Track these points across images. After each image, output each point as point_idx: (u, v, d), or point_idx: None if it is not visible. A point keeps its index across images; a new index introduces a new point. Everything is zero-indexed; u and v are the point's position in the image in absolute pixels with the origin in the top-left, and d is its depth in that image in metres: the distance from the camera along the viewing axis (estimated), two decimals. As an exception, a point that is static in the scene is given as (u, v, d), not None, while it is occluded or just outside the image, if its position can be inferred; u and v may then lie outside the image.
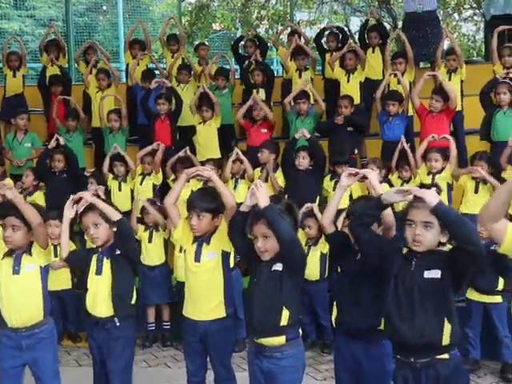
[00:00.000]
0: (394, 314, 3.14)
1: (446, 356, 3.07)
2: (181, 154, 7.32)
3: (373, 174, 3.53)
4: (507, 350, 5.23)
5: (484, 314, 5.36)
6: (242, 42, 10.30)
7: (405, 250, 3.23)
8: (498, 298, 5.27)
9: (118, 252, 4.06)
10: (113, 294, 4.03)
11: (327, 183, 6.84)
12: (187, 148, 7.39)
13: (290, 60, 8.96)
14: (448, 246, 3.17)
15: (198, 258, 4.02)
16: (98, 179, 7.04)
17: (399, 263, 3.19)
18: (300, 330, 3.62)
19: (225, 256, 4.05)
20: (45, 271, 4.08)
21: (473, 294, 5.40)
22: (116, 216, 3.98)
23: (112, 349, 4.06)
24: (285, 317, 3.46)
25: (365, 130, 7.91)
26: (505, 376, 5.22)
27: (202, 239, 4.03)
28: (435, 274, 3.06)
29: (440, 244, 3.14)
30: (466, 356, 5.38)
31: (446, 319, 3.05)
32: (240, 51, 10.23)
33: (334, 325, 3.80)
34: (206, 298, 4.03)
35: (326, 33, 9.49)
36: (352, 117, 7.50)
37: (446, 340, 3.04)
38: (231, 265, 4.15)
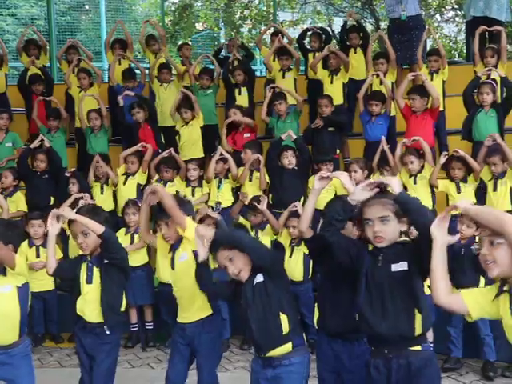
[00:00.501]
0: (367, 311, 3.16)
1: (418, 348, 3.10)
2: (164, 154, 7.30)
3: (344, 176, 3.53)
4: (488, 349, 5.27)
5: (466, 313, 5.39)
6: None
7: (370, 247, 3.26)
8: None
9: (106, 261, 4.05)
10: (102, 303, 4.03)
11: (312, 183, 6.84)
12: (171, 149, 7.38)
13: (274, 60, 8.97)
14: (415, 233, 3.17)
15: (173, 266, 4.19)
16: (79, 179, 7.01)
17: (367, 261, 3.22)
18: (304, 336, 3.61)
19: (196, 254, 4.07)
20: (23, 291, 3.92)
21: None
22: (99, 229, 3.92)
23: (98, 353, 4.07)
24: (284, 322, 3.45)
25: (345, 128, 7.92)
26: (486, 374, 5.26)
27: (174, 246, 4.19)
28: (402, 266, 3.10)
29: (402, 233, 3.20)
30: (448, 355, 5.45)
31: (416, 309, 3.09)
32: (221, 54, 10.22)
33: (316, 326, 3.82)
34: (189, 300, 4.11)
35: (309, 33, 9.52)
36: (330, 116, 7.52)
37: (418, 330, 3.08)
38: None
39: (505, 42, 7.85)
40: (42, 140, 7.39)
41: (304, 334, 3.61)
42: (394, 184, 3.07)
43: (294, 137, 6.96)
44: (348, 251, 3.30)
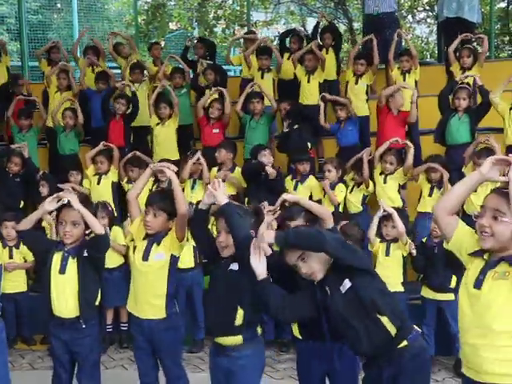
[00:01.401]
0: (344, 335, 3.14)
1: (405, 343, 3.01)
2: (130, 155, 7.27)
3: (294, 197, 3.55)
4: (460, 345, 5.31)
5: (438, 311, 5.46)
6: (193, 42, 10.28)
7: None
8: (450, 296, 5.37)
9: (86, 254, 4.01)
10: (79, 296, 4.00)
11: (288, 183, 6.88)
12: (136, 152, 7.34)
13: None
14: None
15: (146, 257, 4.08)
16: (50, 182, 6.95)
17: (318, 295, 3.15)
18: (259, 329, 3.62)
19: (173, 260, 4.11)
20: None
21: (427, 292, 5.52)
22: (100, 230, 3.96)
23: (80, 348, 4.05)
24: (239, 316, 3.47)
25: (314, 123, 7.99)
26: (458, 371, 5.30)
27: (152, 239, 4.07)
28: (346, 284, 3.02)
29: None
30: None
31: (379, 316, 3.00)
32: (189, 57, 10.19)
33: (300, 336, 3.63)
34: (148, 297, 4.08)
35: (291, 35, 9.55)
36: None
37: (392, 331, 3.00)
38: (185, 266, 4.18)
39: (486, 47, 7.95)
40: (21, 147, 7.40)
41: (259, 329, 3.60)
42: (268, 238, 3.04)
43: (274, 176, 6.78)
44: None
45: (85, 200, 4.30)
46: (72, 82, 8.61)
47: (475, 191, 6.05)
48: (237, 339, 3.49)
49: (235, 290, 3.46)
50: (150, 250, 4.07)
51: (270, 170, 6.59)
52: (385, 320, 3.00)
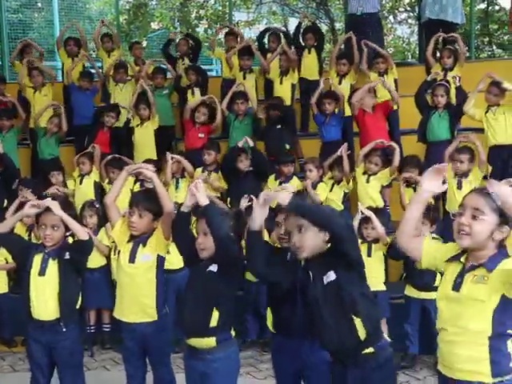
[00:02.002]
0: (315, 324, 3.14)
1: (371, 350, 3.00)
2: (110, 157, 7.23)
3: (285, 199, 3.33)
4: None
5: (421, 309, 5.48)
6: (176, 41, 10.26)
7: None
8: (434, 295, 5.36)
9: (68, 257, 3.98)
10: (60, 298, 3.96)
11: (272, 183, 6.89)
12: (114, 155, 7.31)
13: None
14: None
15: (132, 259, 4.01)
16: (28, 186, 6.88)
17: (300, 277, 3.17)
18: (232, 332, 3.61)
19: (160, 260, 4.06)
20: None
21: (411, 291, 5.53)
22: (83, 235, 3.93)
23: (60, 351, 4.00)
24: (214, 318, 3.45)
25: (291, 123, 8.01)
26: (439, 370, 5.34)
27: (138, 240, 4.01)
28: (331, 276, 2.99)
29: (325, 242, 3.06)
30: (405, 351, 5.53)
31: (354, 317, 2.98)
32: (171, 53, 10.17)
33: (271, 328, 3.71)
34: (137, 300, 4.01)
35: (268, 34, 9.55)
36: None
37: (362, 335, 2.98)
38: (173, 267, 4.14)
39: (463, 47, 8.00)
40: None
41: (233, 331, 3.60)
42: (281, 200, 3.04)
43: (251, 144, 6.95)
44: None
45: (65, 202, 4.25)
46: (51, 73, 8.57)
47: (460, 189, 6.19)
48: (210, 341, 3.46)
49: (212, 291, 3.45)
50: (136, 251, 4.00)
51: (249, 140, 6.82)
52: (358, 323, 2.98)
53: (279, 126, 7.57)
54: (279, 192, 3.37)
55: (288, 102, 8.17)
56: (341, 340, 3.00)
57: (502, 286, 2.65)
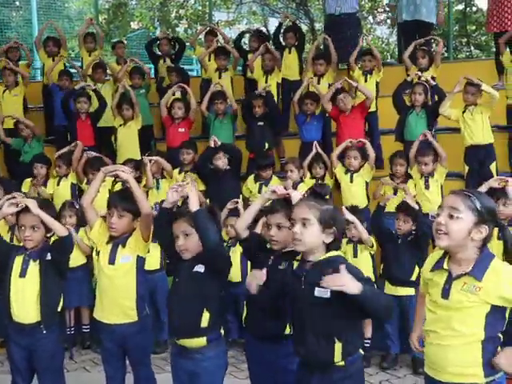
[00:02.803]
0: (294, 332, 3.14)
1: (342, 363, 2.95)
2: (85, 156, 7.17)
3: (297, 197, 3.35)
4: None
5: (399, 307, 5.50)
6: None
7: (295, 264, 3.15)
8: (411, 291, 5.43)
9: (49, 258, 3.95)
10: (41, 300, 3.92)
11: (251, 185, 6.89)
12: (88, 152, 7.25)
13: (209, 60, 8.95)
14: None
15: (112, 260, 3.99)
16: (5, 186, 6.81)
17: (291, 280, 3.11)
18: (222, 331, 3.63)
19: (139, 261, 4.05)
20: None
21: (389, 289, 5.54)
22: (63, 232, 3.90)
23: (41, 354, 3.97)
24: (205, 319, 3.47)
25: (281, 130, 8.02)
26: (416, 370, 5.35)
27: (117, 241, 4.00)
28: (325, 292, 2.85)
29: (326, 245, 2.99)
30: (387, 351, 5.57)
31: (335, 339, 2.92)
32: (154, 50, 10.15)
33: (244, 325, 3.76)
34: (117, 302, 4.00)
35: (248, 34, 9.56)
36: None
37: (337, 358, 2.93)
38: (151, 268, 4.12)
39: (440, 48, 8.06)
40: None
41: (222, 330, 3.63)
42: (351, 289, 2.71)
43: (219, 143, 6.93)
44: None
45: (46, 203, 4.22)
46: (24, 74, 8.51)
47: (428, 189, 6.28)
48: (201, 341, 3.49)
49: (201, 292, 3.46)
50: (116, 252, 3.98)
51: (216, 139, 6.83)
52: (337, 346, 2.92)
53: (261, 123, 7.58)
54: (295, 193, 3.36)
55: (274, 99, 8.16)
56: (314, 353, 2.96)
57: (496, 300, 2.66)
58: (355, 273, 2.81)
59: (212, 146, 6.95)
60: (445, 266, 2.79)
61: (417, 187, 6.44)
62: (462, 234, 2.69)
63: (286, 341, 3.41)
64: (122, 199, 3.97)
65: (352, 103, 7.34)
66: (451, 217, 2.70)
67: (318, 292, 2.89)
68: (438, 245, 2.76)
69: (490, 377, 2.71)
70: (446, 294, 2.74)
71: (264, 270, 3.36)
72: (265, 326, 3.47)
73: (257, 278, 3.29)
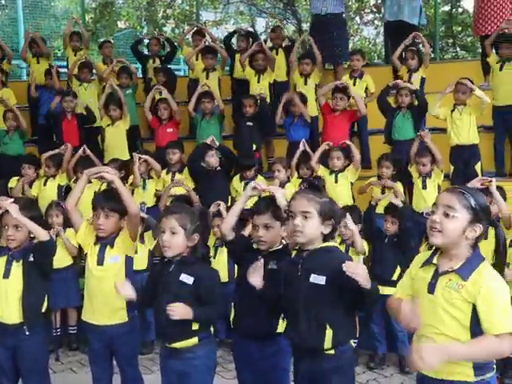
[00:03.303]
0: (287, 318, 3.18)
1: (331, 352, 3.04)
2: (80, 152, 7.15)
3: (279, 192, 3.45)
4: (402, 344, 5.37)
5: (383, 307, 5.50)
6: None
7: (294, 252, 3.23)
8: (393, 290, 5.42)
9: (32, 259, 3.92)
10: (24, 301, 3.90)
11: (237, 184, 6.89)
12: (84, 146, 7.24)
13: (196, 60, 8.94)
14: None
15: (100, 261, 3.97)
16: None
17: (286, 266, 3.19)
18: (212, 328, 3.63)
19: (128, 261, 4.03)
20: None
21: (372, 287, 5.55)
22: (44, 236, 3.87)
23: (25, 355, 3.94)
24: (195, 322, 3.46)
25: (270, 131, 8.03)
26: (403, 369, 5.38)
27: (104, 242, 3.98)
28: (320, 279, 2.97)
29: (324, 236, 3.10)
30: (374, 351, 5.57)
31: (327, 326, 3.00)
32: (141, 50, 10.13)
33: (232, 325, 3.74)
34: (107, 303, 3.97)
35: (236, 34, 9.55)
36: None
37: (327, 344, 3.01)
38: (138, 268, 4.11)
39: (428, 49, 8.10)
40: None
41: (212, 328, 3.64)
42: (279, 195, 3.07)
43: (217, 144, 6.95)
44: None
45: (30, 204, 4.18)
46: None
47: (425, 189, 6.30)
48: (193, 341, 3.48)
49: (188, 298, 3.42)
50: (104, 253, 3.96)
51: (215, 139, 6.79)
52: (328, 333, 3.00)
53: (250, 124, 7.57)
54: (276, 188, 3.39)
55: (268, 101, 8.15)
56: (305, 340, 3.05)
57: (474, 300, 2.66)
58: None
59: (208, 142, 6.94)
60: (434, 260, 2.80)
61: (414, 186, 6.49)
62: (456, 233, 2.69)
63: (276, 338, 3.46)
64: (108, 199, 3.95)
65: (344, 106, 7.32)
66: (447, 215, 2.70)
67: (313, 278, 2.99)
68: (432, 242, 2.76)
69: (480, 376, 2.71)
70: (432, 288, 2.76)
71: (261, 260, 3.35)
72: (255, 325, 3.47)
73: (257, 270, 3.26)
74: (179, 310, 3.34)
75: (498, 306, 2.62)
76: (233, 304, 3.79)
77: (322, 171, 6.71)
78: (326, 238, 3.10)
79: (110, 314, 3.97)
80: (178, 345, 3.49)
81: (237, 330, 3.68)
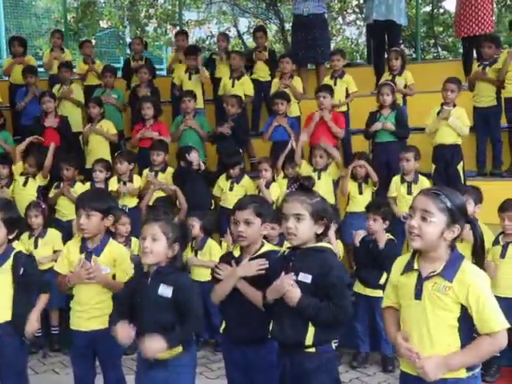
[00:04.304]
0: (269, 314, 3.20)
1: (312, 350, 3.08)
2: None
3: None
4: (386, 343, 5.39)
5: (368, 307, 5.53)
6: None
7: (285, 249, 3.26)
8: (379, 293, 5.45)
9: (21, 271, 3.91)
10: (13, 313, 3.89)
11: (223, 182, 6.89)
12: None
13: (180, 62, 8.92)
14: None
15: None
16: None
17: (277, 262, 3.23)
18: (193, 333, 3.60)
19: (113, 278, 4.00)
20: None
21: (359, 288, 5.55)
22: None
23: (2, 360, 3.91)
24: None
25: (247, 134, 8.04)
26: (385, 368, 5.42)
27: (91, 250, 3.94)
28: (307, 278, 3.05)
29: (317, 236, 3.14)
30: (357, 349, 5.59)
31: (310, 324, 3.05)
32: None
33: (222, 332, 3.66)
34: (96, 310, 3.95)
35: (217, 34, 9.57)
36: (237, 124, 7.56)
37: (308, 341, 3.06)
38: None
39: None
40: None
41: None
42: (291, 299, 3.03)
43: (203, 167, 6.92)
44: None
45: (7, 205, 4.10)
46: None
47: (410, 194, 6.35)
48: (177, 350, 3.40)
49: (169, 309, 3.37)
50: (90, 262, 3.92)
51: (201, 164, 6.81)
52: (310, 329, 3.05)
53: (232, 124, 7.52)
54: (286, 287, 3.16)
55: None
56: (287, 335, 3.09)
57: (463, 301, 2.68)
58: (338, 274, 3.06)
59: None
60: (415, 266, 2.81)
61: (399, 192, 6.46)
62: (435, 236, 2.72)
63: (264, 343, 3.42)
64: (89, 199, 3.92)
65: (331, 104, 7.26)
66: (424, 219, 2.72)
67: (301, 277, 3.06)
68: (412, 246, 2.79)
69: (471, 371, 2.75)
70: (418, 294, 2.77)
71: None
72: (249, 333, 3.42)
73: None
74: (151, 348, 3.26)
75: (486, 304, 2.66)
76: (221, 311, 3.71)
77: (305, 167, 6.71)
78: (319, 237, 3.15)
79: (99, 321, 3.94)
80: (162, 356, 3.39)
81: (229, 338, 3.59)
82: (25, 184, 6.98)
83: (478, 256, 2.88)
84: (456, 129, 6.70)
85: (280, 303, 3.10)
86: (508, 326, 2.69)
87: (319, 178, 6.65)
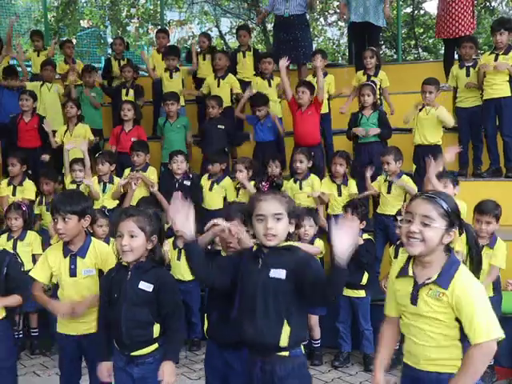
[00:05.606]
0: (240, 314, 3.07)
1: (285, 353, 2.98)
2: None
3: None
4: (368, 343, 5.44)
5: (350, 307, 5.56)
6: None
7: (255, 247, 3.13)
8: (362, 293, 5.50)
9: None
10: None
11: (204, 182, 6.87)
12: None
13: (162, 59, 8.88)
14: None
15: (73, 273, 3.87)
16: None
17: (244, 263, 3.09)
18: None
19: (101, 273, 3.94)
20: None
21: (341, 289, 5.59)
22: None
23: None
24: (156, 330, 3.42)
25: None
26: (367, 367, 5.43)
27: (74, 254, 3.89)
28: (280, 273, 2.93)
29: (289, 235, 3.05)
30: (339, 349, 5.61)
31: (285, 321, 2.94)
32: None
33: (206, 336, 3.62)
34: (84, 314, 3.87)
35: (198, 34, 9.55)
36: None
37: (283, 342, 2.95)
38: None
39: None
40: None
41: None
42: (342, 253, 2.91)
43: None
44: (228, 274, 3.15)
45: None
46: None
47: (389, 193, 6.35)
48: (153, 347, 3.42)
49: (148, 306, 3.37)
50: (76, 265, 3.86)
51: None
52: (285, 329, 2.94)
53: (221, 127, 7.50)
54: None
55: (228, 104, 8.08)
56: (262, 334, 2.95)
57: (455, 309, 2.69)
58: (318, 268, 3.01)
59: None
60: (410, 273, 2.82)
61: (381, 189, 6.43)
62: (436, 241, 2.72)
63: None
64: (63, 202, 3.84)
65: (308, 100, 7.14)
66: (425, 225, 2.72)
67: (273, 273, 2.94)
68: (410, 252, 2.77)
69: None
70: (414, 300, 2.79)
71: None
72: (233, 334, 3.28)
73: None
74: (168, 378, 3.29)
75: (475, 315, 2.64)
76: (205, 315, 3.67)
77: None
78: (289, 235, 3.05)
79: (87, 325, 3.88)
80: (138, 352, 3.41)
81: (213, 339, 3.54)
82: (13, 194, 6.95)
83: (474, 259, 2.90)
84: (445, 119, 6.74)
85: (252, 298, 2.99)
86: (494, 337, 2.63)
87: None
